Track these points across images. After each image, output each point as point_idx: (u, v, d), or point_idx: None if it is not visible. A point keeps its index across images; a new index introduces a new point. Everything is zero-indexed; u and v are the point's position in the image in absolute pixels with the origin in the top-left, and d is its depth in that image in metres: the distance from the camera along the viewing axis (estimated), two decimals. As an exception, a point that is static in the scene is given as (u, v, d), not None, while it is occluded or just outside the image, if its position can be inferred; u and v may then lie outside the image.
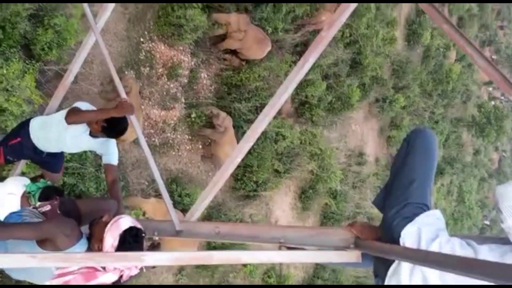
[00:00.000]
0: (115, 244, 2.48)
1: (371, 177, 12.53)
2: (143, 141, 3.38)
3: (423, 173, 2.24)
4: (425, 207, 2.17)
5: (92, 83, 6.11)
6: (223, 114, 7.91)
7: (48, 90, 5.44)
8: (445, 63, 16.29)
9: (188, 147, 8.10)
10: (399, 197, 2.21)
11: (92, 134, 3.48)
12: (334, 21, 2.57)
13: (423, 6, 2.50)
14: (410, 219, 2.13)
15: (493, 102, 21.29)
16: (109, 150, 3.53)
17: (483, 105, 19.68)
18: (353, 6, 2.55)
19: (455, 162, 17.40)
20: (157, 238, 6.27)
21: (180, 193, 7.42)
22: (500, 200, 2.02)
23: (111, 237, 2.49)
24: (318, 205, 10.97)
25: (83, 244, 2.58)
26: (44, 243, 2.48)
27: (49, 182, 3.19)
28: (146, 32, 7.14)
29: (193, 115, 7.88)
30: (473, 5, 18.42)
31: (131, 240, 2.50)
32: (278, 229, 2.58)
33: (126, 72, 6.77)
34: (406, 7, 14.31)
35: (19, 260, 1.47)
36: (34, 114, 5.09)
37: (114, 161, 3.53)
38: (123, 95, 3.35)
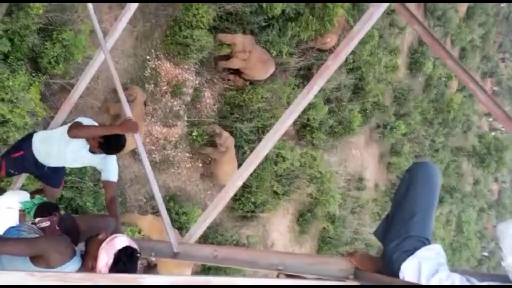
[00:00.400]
0: (109, 263, 2.46)
1: (370, 203, 12.48)
2: (144, 158, 3.37)
3: (425, 207, 2.24)
4: (426, 241, 2.16)
5: (96, 98, 6.15)
6: (225, 134, 7.93)
7: (52, 103, 5.47)
8: (447, 93, 16.42)
9: (188, 165, 8.09)
10: (400, 230, 2.20)
11: (91, 150, 3.48)
12: (340, 51, 2.60)
13: (425, 38, 2.54)
14: (410, 252, 2.11)
15: (493, 133, 21.38)
16: (108, 167, 3.52)
17: (484, 135, 19.75)
18: (360, 36, 2.58)
19: (454, 191, 17.36)
20: (154, 259, 6.22)
21: (177, 211, 7.38)
22: (501, 238, 2.01)
23: (105, 256, 2.48)
24: (316, 229, 10.89)
25: (76, 261, 2.55)
26: (37, 259, 2.46)
27: (45, 198, 3.19)
28: (152, 50, 7.21)
29: (194, 133, 7.90)
30: (476, 36, 18.67)
31: (125, 260, 2.48)
32: (277, 256, 2.56)
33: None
34: (409, 36, 14.50)
35: (17, 279, 1.45)
36: (36, 127, 5.11)
37: (113, 178, 3.52)
38: (129, 113, 3.37)
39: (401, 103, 13.65)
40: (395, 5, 2.58)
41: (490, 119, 22.02)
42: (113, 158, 3.56)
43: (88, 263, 2.54)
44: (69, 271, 2.47)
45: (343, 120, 10.95)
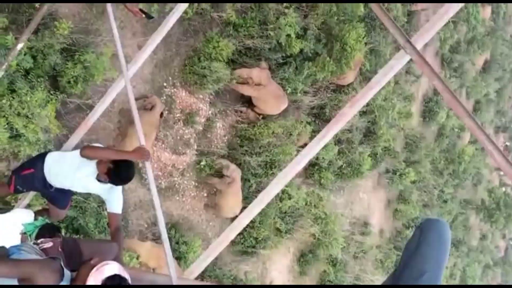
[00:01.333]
0: None
1: (374, 249, 12.24)
2: (153, 185, 3.35)
3: (435, 266, 2.18)
4: (433, 302, 2.09)
5: (110, 120, 6.20)
6: (232, 166, 7.92)
7: (67, 122, 5.52)
8: (459, 144, 16.34)
9: (192, 194, 8.05)
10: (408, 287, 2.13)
11: (98, 178, 3.47)
12: (358, 99, 2.61)
13: (440, 89, 2.54)
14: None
15: (503, 189, 21.10)
16: (114, 198, 3.50)
17: (494, 190, 19.49)
18: (378, 87, 2.59)
19: (461, 244, 17.00)
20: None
21: (178, 240, 7.29)
22: None
23: (93, 281, 2.47)
24: (316, 271, 10.66)
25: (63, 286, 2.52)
26: (24, 281, 2.44)
27: (47, 220, 3.17)
28: (170, 78, 7.32)
29: (202, 163, 7.89)
30: (491, 90, 18.73)
31: None
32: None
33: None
34: (424, 84, 14.59)
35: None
36: (48, 144, 5.14)
37: (118, 210, 3.51)
38: (142, 141, 3.39)
39: (412, 150, 13.58)
40: (414, 59, 2.60)
41: (501, 174, 21.78)
42: (118, 190, 3.54)
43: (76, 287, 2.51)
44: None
45: (352, 162, 10.90)
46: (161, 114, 6.86)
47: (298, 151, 9.33)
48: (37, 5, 5.01)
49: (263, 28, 7.95)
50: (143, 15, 4.71)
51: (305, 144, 9.44)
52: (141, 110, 6.47)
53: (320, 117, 10.06)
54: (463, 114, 2.43)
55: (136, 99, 6.55)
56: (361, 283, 11.27)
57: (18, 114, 4.79)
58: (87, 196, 5.71)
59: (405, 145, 13.59)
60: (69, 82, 5.37)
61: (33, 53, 5.01)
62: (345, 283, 10.91)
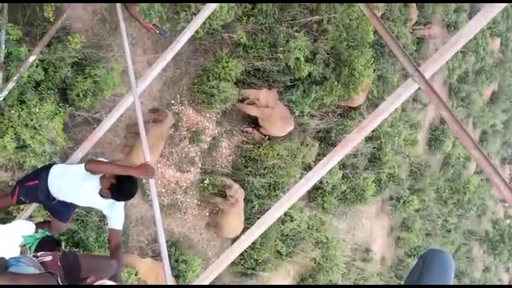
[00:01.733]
0: None
1: (374, 276, 12.05)
2: (155, 202, 3.34)
3: (437, 298, 2.14)
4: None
5: (116, 135, 6.23)
6: (236, 186, 7.89)
7: (73, 135, 5.55)
8: (464, 173, 16.22)
9: (194, 212, 8.01)
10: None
11: (101, 193, 3.47)
12: (365, 126, 2.61)
13: (447, 119, 2.53)
14: None
15: (508, 221, 20.83)
16: (115, 214, 3.49)
17: (498, 222, 19.24)
18: (385, 114, 2.59)
19: (463, 276, 16.70)
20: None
21: (177, 258, 7.22)
22: None
23: None
24: (316, 296, 10.48)
25: None
26: None
27: (47, 233, 3.16)
28: (178, 96, 7.37)
29: (206, 181, 7.88)
30: (498, 121, 18.69)
31: None
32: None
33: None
34: (431, 112, 14.59)
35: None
36: (54, 155, 5.16)
37: (119, 226, 3.50)
38: (148, 158, 3.39)
39: (417, 178, 13.50)
40: (423, 88, 2.60)
41: (506, 206, 21.54)
42: (120, 206, 3.54)
43: None
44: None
45: (356, 188, 10.83)
46: (173, 125, 7.01)
47: (302, 173, 9.30)
48: (51, 18, 5.10)
49: (272, 50, 8.04)
50: (157, 31, 4.77)
51: (309, 166, 9.47)
52: (151, 122, 6.56)
53: (325, 141, 10.06)
54: (470, 146, 2.42)
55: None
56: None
57: (26, 125, 4.83)
58: (89, 209, 5.70)
59: (410, 172, 13.51)
60: (78, 95, 5.42)
61: (45, 65, 5.08)
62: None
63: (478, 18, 2.47)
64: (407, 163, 13.32)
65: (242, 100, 8.17)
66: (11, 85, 4.14)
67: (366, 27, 9.00)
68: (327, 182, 9.98)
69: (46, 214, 4.42)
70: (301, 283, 10.04)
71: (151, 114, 6.70)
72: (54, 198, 3.65)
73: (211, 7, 3.59)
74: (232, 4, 7.03)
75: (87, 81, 5.39)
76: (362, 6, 2.87)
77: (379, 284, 12.19)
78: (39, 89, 5.07)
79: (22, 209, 4.22)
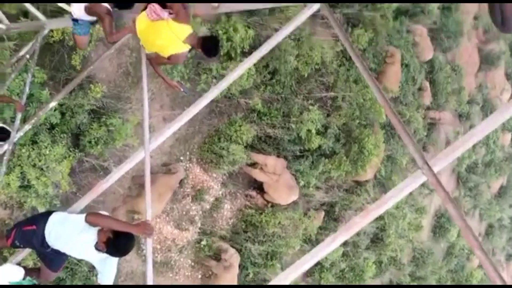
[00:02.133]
0: None
1: None
2: (149, 261, 3.24)
3: None
4: None
5: (121, 185, 6.22)
6: (232, 251, 7.73)
7: (79, 180, 5.56)
8: (467, 266, 15.73)
9: (187, 273, 7.78)
10: None
11: (97, 246, 3.40)
12: (370, 211, 2.58)
13: (453, 216, 2.49)
14: None
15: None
16: (107, 269, 3.41)
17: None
18: (391, 203, 2.57)
19: None
20: None
21: (163, 321, 6.92)
22: None
23: None
24: None
25: None
26: None
27: (35, 281, 3.06)
28: (188, 153, 7.44)
29: (203, 242, 7.73)
30: (505, 215, 18.40)
31: None
32: None
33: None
34: (438, 199, 14.44)
35: None
36: (55, 199, 5.14)
37: (109, 281, 3.41)
38: (148, 216, 3.36)
39: (419, 264, 13.10)
40: (431, 181, 2.60)
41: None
42: (114, 262, 3.45)
43: None
44: None
45: (355, 267, 10.52)
46: (181, 181, 7.22)
47: (302, 245, 9.10)
48: (78, 66, 5.29)
49: (285, 119, 8.19)
50: (181, 89, 4.85)
51: (310, 238, 9.27)
52: (162, 173, 6.73)
53: (329, 215, 9.93)
54: (475, 245, 2.36)
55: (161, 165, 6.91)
56: None
57: (34, 165, 4.86)
58: (80, 259, 5.57)
59: (412, 258, 13.14)
60: (90, 142, 5.50)
61: (63, 110, 5.21)
62: None
63: (493, 118, 2.48)
64: (410, 248, 12.99)
65: (250, 165, 8.22)
66: (27, 127, 4.21)
67: (379, 108, 9.19)
68: (326, 258, 9.72)
69: (37, 259, 4.32)
70: None
71: (163, 168, 6.87)
72: (48, 246, 3.58)
73: (234, 75, 3.69)
74: (252, 72, 7.27)
75: (101, 129, 5.48)
76: (376, 93, 2.95)
77: None
78: (53, 131, 5.16)
79: (13, 253, 4.14)
